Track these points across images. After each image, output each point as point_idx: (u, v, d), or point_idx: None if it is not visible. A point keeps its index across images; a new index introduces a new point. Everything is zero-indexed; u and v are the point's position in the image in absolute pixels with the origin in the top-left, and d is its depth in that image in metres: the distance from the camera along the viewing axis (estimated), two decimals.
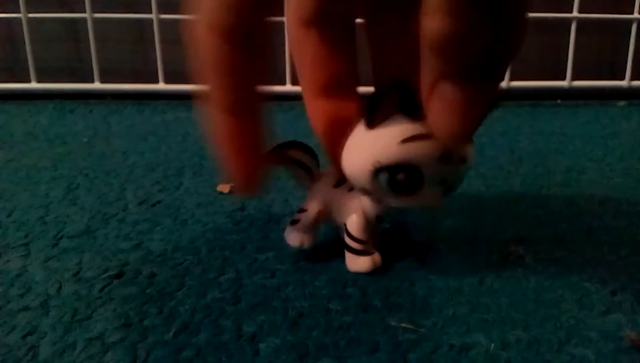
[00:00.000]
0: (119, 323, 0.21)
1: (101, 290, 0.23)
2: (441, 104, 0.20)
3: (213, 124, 0.21)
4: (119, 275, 0.24)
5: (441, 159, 0.21)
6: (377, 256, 0.25)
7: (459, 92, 0.19)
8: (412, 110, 0.21)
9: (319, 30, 0.24)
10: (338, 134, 0.23)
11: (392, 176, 0.21)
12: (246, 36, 0.20)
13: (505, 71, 0.21)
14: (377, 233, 0.26)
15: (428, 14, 0.17)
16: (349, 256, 0.25)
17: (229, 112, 0.21)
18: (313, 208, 0.25)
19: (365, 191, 0.23)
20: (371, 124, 0.22)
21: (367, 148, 0.22)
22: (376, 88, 0.24)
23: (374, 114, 0.21)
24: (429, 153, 0.21)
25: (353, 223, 0.25)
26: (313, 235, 0.26)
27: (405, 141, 0.21)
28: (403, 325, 0.21)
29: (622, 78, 0.58)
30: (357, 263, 0.25)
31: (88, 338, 0.20)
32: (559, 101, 0.59)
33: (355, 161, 0.22)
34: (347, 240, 0.25)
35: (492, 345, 0.20)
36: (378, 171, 0.21)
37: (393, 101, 0.21)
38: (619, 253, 0.27)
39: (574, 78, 0.57)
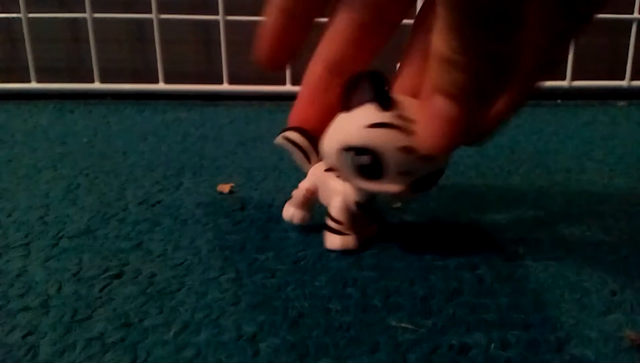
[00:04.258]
0: (119, 323, 0.21)
1: (101, 290, 0.23)
2: (430, 115, 0.21)
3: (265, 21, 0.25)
4: (119, 275, 0.24)
5: (403, 150, 0.22)
6: (351, 238, 0.26)
7: (450, 109, 0.20)
8: (384, 100, 0.23)
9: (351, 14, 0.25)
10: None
11: (355, 157, 0.23)
12: None
13: (503, 100, 0.22)
14: (359, 219, 0.27)
15: (435, 32, 0.19)
16: (326, 234, 0.27)
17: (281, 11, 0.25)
18: (303, 186, 0.28)
19: (336, 169, 0.25)
20: (346, 107, 0.24)
21: (339, 128, 0.24)
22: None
23: (349, 99, 0.24)
24: (390, 141, 0.23)
25: (334, 205, 0.26)
26: (304, 213, 0.28)
27: (371, 126, 0.23)
28: (403, 325, 0.21)
29: (622, 78, 0.58)
30: (331, 241, 0.27)
31: (88, 338, 0.20)
32: (559, 101, 0.59)
33: (328, 139, 0.24)
34: (327, 220, 0.27)
35: (492, 345, 0.20)
36: (345, 150, 0.23)
37: (367, 89, 0.23)
38: (619, 253, 0.27)
39: (574, 78, 0.57)
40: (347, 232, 0.26)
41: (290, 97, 0.53)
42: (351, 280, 0.24)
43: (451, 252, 0.26)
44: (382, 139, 0.22)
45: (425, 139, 0.22)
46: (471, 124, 0.21)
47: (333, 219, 0.26)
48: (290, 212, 0.28)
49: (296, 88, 0.53)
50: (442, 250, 0.27)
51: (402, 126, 0.22)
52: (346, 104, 0.24)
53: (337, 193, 0.26)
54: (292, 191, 0.28)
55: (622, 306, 0.22)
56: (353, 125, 0.23)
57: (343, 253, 0.26)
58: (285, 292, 0.23)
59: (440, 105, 0.20)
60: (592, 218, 0.30)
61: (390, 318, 0.22)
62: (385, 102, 0.23)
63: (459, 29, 0.18)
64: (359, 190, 0.25)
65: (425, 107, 0.21)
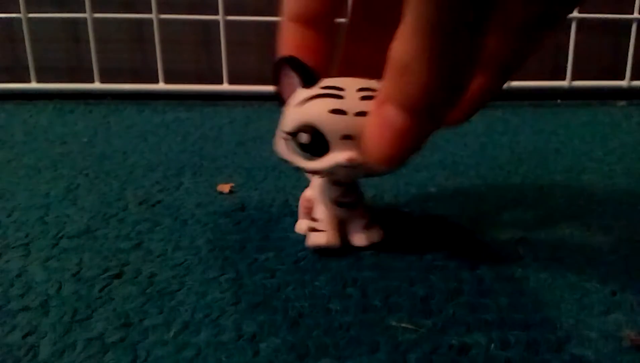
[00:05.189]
0: (119, 323, 0.21)
1: (101, 290, 0.23)
2: (380, 124, 0.20)
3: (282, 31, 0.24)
4: (119, 275, 0.24)
5: (336, 112, 0.22)
6: (329, 235, 0.26)
7: (400, 120, 0.20)
8: (306, 78, 0.23)
9: None
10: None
11: (296, 140, 0.23)
12: None
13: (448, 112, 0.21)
14: (350, 218, 0.27)
15: (395, 38, 0.18)
16: (308, 234, 0.27)
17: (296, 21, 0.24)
18: (304, 195, 0.28)
19: (293, 165, 0.25)
20: (280, 102, 0.24)
21: (280, 124, 0.24)
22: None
23: (278, 92, 0.24)
24: (320, 108, 0.22)
25: (315, 205, 0.27)
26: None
27: (298, 104, 0.23)
28: (403, 325, 0.21)
29: (622, 78, 0.58)
30: (310, 238, 0.26)
31: (88, 338, 0.20)
32: (559, 101, 0.59)
33: (277, 138, 0.25)
34: (310, 221, 0.27)
35: (492, 345, 0.20)
36: (288, 140, 0.23)
37: (290, 75, 0.23)
38: (619, 253, 0.27)
39: (574, 78, 0.57)
40: (326, 229, 0.26)
41: None
42: (351, 280, 0.24)
43: (451, 252, 0.26)
44: (312, 110, 0.23)
45: (374, 149, 0.21)
46: (423, 136, 0.20)
47: (313, 219, 0.26)
48: (301, 225, 0.28)
49: None
50: (442, 250, 0.27)
51: (329, 93, 0.23)
52: (278, 99, 0.24)
53: (317, 193, 0.27)
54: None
55: (622, 306, 0.22)
56: (286, 113, 0.24)
57: (341, 254, 0.26)
58: (285, 292, 0.23)
59: (391, 115, 0.20)
60: (592, 218, 0.30)
61: (390, 318, 0.22)
62: (308, 78, 0.23)
63: (421, 34, 0.17)
64: (330, 187, 0.26)
65: (375, 115, 0.20)
